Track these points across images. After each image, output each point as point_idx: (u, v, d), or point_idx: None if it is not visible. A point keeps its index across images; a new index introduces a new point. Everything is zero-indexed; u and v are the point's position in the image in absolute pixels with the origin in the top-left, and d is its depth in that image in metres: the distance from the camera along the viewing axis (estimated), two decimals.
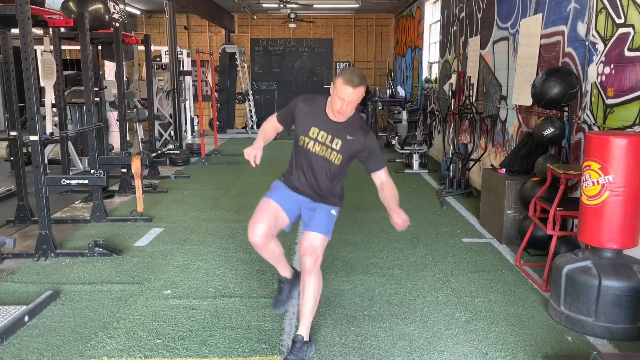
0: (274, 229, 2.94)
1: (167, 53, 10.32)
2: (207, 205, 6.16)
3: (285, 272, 3.25)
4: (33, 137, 4.18)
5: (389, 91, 12.70)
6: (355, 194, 6.46)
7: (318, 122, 2.89)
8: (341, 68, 15.57)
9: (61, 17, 5.08)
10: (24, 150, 5.47)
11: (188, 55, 12.72)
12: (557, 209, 3.70)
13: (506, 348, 2.96)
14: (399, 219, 2.85)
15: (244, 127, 14.09)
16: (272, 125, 3.10)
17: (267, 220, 2.89)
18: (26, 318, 3.19)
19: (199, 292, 3.68)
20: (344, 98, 2.71)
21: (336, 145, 2.88)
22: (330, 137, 2.87)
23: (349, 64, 15.47)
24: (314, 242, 2.86)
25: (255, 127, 13.93)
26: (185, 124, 12.24)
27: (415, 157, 8.39)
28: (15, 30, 4.49)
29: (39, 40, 6.38)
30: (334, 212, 3.01)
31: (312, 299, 2.85)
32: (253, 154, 2.85)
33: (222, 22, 13.80)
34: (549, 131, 4.29)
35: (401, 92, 12.29)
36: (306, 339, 2.83)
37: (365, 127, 2.95)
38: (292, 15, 13.38)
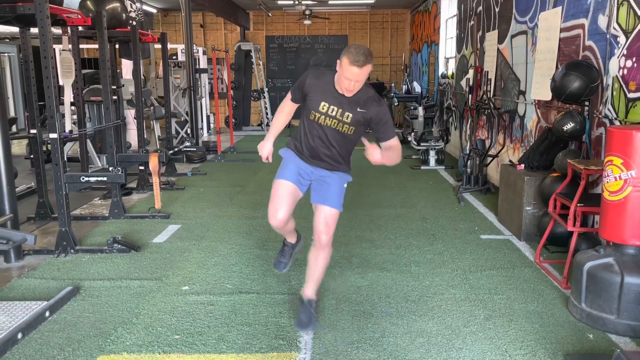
0: (292, 208, 3.04)
1: (183, 51, 10.37)
2: (224, 202, 6.19)
3: (292, 239, 3.39)
4: (53, 135, 4.24)
5: (404, 87, 12.61)
6: (370, 190, 6.45)
7: (327, 97, 2.91)
8: None
9: (79, 16, 5.14)
10: (44, 148, 5.54)
11: (204, 53, 12.79)
12: (578, 205, 3.64)
13: (526, 346, 2.93)
14: (374, 150, 2.68)
15: (260, 125, 14.13)
16: (287, 110, 3.16)
17: (286, 204, 2.98)
18: (47, 313, 3.23)
19: (217, 288, 3.70)
20: (350, 78, 2.74)
21: (347, 118, 2.90)
22: (340, 110, 2.90)
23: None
24: (329, 220, 3.00)
25: (270, 124, 13.95)
26: (202, 121, 12.31)
27: (432, 153, 8.33)
28: (34, 30, 4.55)
29: (58, 40, 6.46)
30: (345, 185, 3.11)
31: (323, 267, 3.10)
32: (266, 154, 3.07)
33: (238, 20, 13.83)
34: (569, 126, 4.23)
35: (417, 88, 12.20)
36: (314, 298, 3.13)
37: (377, 98, 2.95)
38: (307, 12, 13.36)
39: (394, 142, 2.94)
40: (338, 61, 2.76)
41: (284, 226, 3.06)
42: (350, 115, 2.89)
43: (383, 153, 2.73)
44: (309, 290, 3.14)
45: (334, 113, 2.90)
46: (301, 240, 3.52)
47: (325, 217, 3.00)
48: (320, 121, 2.95)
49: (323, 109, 2.91)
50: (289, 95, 3.12)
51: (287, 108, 3.16)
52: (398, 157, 2.91)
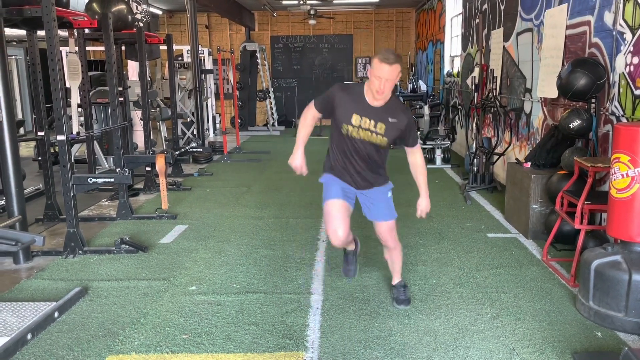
0: (349, 223, 3.21)
1: (189, 52, 10.41)
2: (230, 202, 6.21)
3: (352, 246, 3.55)
4: (60, 137, 4.27)
5: (410, 86, 12.61)
6: None
7: (359, 109, 3.00)
8: (362, 63, 15.53)
9: (85, 19, 5.16)
10: (52, 150, 5.57)
11: (209, 53, 12.82)
12: (585, 202, 3.62)
13: (534, 344, 2.92)
14: (425, 204, 3.19)
15: (265, 125, 14.14)
16: (311, 117, 3.19)
17: (342, 222, 3.14)
18: (56, 314, 3.26)
19: (224, 288, 3.71)
20: (381, 76, 2.83)
21: (380, 129, 2.99)
22: (373, 122, 2.98)
23: (369, 60, 15.40)
24: (389, 231, 3.29)
25: (276, 124, 13.97)
26: (208, 122, 12.35)
27: (438, 152, 8.32)
28: (41, 33, 4.58)
29: (64, 42, 6.50)
30: (389, 194, 3.30)
31: (399, 260, 3.47)
32: (299, 166, 3.13)
33: (243, 20, 13.86)
34: (575, 123, 4.21)
35: (423, 86, 12.18)
36: (401, 281, 3.50)
37: (404, 108, 3.12)
38: (312, 12, 13.36)
39: (418, 148, 3.20)
40: (368, 66, 2.92)
41: (345, 242, 3.24)
42: (384, 126, 2.99)
43: (423, 189, 3.18)
44: (396, 279, 3.51)
45: (366, 125, 2.99)
46: (358, 242, 3.68)
47: (386, 229, 3.28)
48: (353, 134, 3.02)
49: (356, 121, 3.00)
50: (311, 105, 3.16)
51: (310, 120, 3.19)
52: (425, 169, 3.22)
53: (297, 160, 3.12)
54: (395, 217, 3.29)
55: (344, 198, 3.16)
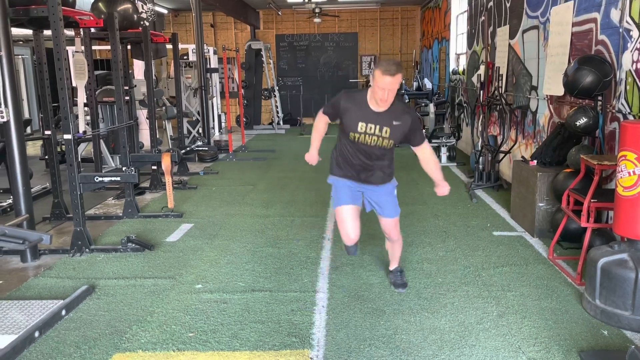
0: (359, 223, 3.43)
1: (194, 51, 10.42)
2: (236, 200, 6.22)
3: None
4: (67, 136, 4.29)
5: (415, 84, 12.58)
6: None
7: (364, 116, 3.14)
8: (367, 62, 15.51)
9: (91, 18, 5.18)
10: (58, 149, 5.60)
11: (214, 52, 12.83)
12: (592, 200, 3.61)
13: (540, 342, 2.91)
14: (445, 188, 3.34)
15: (271, 123, 14.15)
16: (323, 123, 3.46)
17: (353, 225, 3.38)
18: (63, 312, 3.28)
19: (230, 287, 3.72)
20: (384, 87, 2.97)
21: (386, 133, 3.14)
22: (378, 127, 3.13)
23: (374, 58, 15.39)
24: (394, 226, 3.50)
25: (281, 122, 13.97)
26: (213, 120, 12.37)
27: (444, 150, 8.30)
28: (47, 32, 4.61)
29: (71, 41, 6.52)
30: (395, 192, 3.49)
31: (399, 249, 3.70)
32: (315, 162, 3.51)
33: (248, 19, 13.87)
34: (582, 121, 4.19)
35: (428, 84, 12.15)
36: (399, 266, 3.73)
37: (408, 109, 3.25)
38: (317, 10, 13.35)
39: (425, 144, 3.35)
40: (370, 75, 3.04)
41: (357, 240, 3.46)
42: (389, 129, 3.13)
43: (438, 179, 3.36)
44: (393, 265, 3.73)
45: (372, 130, 3.14)
46: None
47: (392, 224, 3.49)
48: (360, 140, 3.19)
49: (362, 128, 3.15)
50: (321, 112, 3.40)
51: (322, 124, 3.46)
52: (437, 160, 3.43)
53: (313, 159, 3.51)
54: (399, 212, 3.50)
55: (353, 202, 3.39)
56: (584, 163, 3.82)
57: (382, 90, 2.98)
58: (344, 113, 3.20)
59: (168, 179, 5.16)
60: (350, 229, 3.38)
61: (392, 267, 3.76)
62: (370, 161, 3.28)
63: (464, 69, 9.65)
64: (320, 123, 3.45)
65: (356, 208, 3.43)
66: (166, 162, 5.13)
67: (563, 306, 3.34)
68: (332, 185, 3.49)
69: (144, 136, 8.98)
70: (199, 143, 9.11)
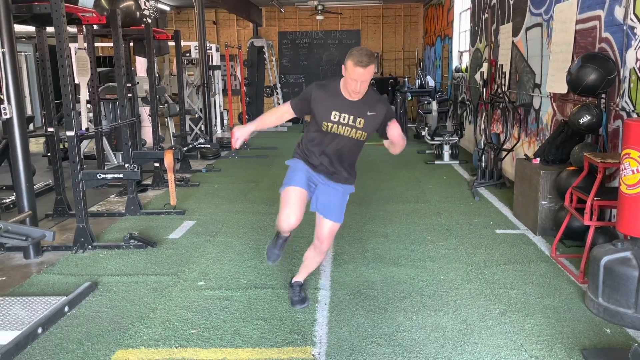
0: (303, 212, 3.09)
1: (197, 48, 10.42)
2: (238, 198, 6.22)
3: (288, 233, 3.30)
4: (69, 133, 4.29)
5: (418, 81, 12.55)
6: (384, 185, 6.44)
7: (337, 105, 2.98)
8: None
9: (94, 15, 5.18)
10: (61, 145, 5.61)
11: (217, 49, 12.82)
12: (595, 198, 3.60)
13: (542, 340, 2.91)
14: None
15: None
16: (280, 113, 3.17)
17: (297, 210, 3.04)
18: (66, 308, 3.28)
19: (232, 284, 3.73)
20: (356, 79, 2.83)
21: (359, 123, 2.98)
22: (352, 117, 2.97)
23: (377, 55, 15.36)
24: (332, 232, 3.19)
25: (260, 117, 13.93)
26: (215, 118, 12.36)
27: (446, 148, 8.28)
28: (50, 29, 4.61)
29: (73, 38, 6.51)
30: (347, 197, 3.23)
31: (314, 267, 3.42)
32: (240, 138, 3.05)
33: (250, 16, 13.86)
34: (585, 119, 4.18)
35: (431, 82, 12.12)
36: (301, 282, 3.42)
37: (382, 99, 3.08)
38: (320, 7, 13.33)
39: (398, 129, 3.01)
40: (343, 66, 2.87)
41: (293, 229, 3.13)
42: (363, 120, 2.97)
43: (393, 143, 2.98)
44: (301, 277, 3.44)
45: (346, 120, 2.97)
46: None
47: (330, 229, 3.18)
48: (333, 130, 3.00)
49: (335, 117, 2.98)
50: (287, 103, 3.14)
51: (278, 114, 3.18)
52: (404, 140, 3.02)
53: (241, 133, 3.06)
54: (341, 222, 3.20)
55: (305, 187, 3.08)
56: (587, 161, 3.81)
57: (355, 81, 2.83)
58: (316, 103, 2.99)
59: (170, 176, 5.16)
60: (293, 212, 3.02)
61: (295, 279, 3.45)
62: (338, 157, 3.08)
63: (466, 67, 9.63)
64: (277, 112, 3.18)
65: (306, 195, 3.09)
66: (168, 159, 5.13)
67: (566, 304, 3.33)
68: (289, 166, 3.19)
69: (147, 133, 8.97)
70: (202, 140, 9.12)
